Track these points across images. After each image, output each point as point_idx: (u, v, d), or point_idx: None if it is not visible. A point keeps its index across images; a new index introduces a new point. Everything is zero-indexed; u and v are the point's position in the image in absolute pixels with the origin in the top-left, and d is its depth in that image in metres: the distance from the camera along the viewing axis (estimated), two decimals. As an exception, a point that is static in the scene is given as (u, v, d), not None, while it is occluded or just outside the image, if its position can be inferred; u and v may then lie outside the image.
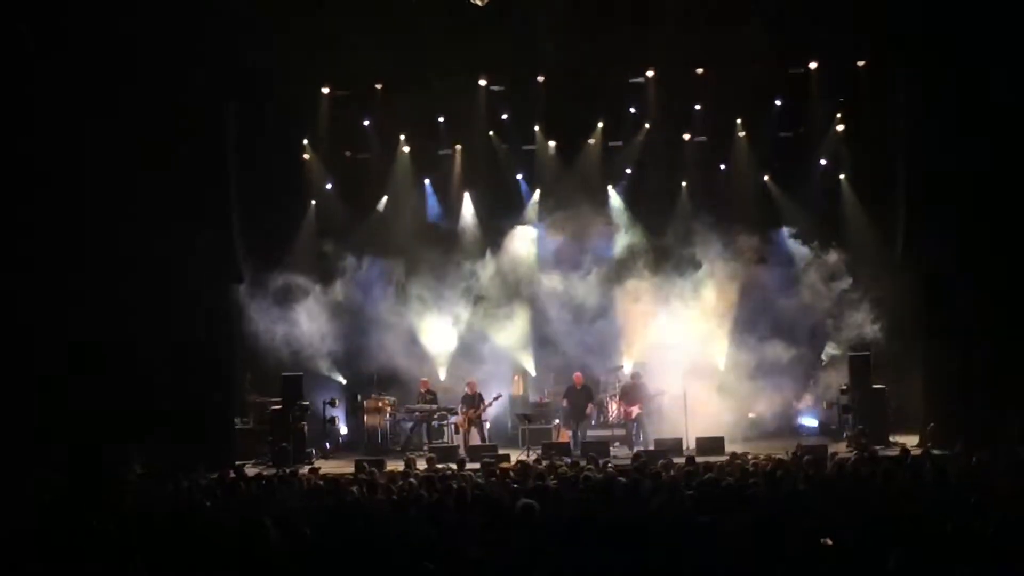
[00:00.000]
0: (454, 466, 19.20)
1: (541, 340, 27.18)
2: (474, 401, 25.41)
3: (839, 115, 26.74)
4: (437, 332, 27.20)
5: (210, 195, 23.72)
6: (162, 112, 22.59)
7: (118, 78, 22.18)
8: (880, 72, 24.79)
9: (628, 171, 28.03)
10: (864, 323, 25.26)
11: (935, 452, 19.17)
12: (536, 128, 27.63)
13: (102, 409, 21.61)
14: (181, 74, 22.59)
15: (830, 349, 26.01)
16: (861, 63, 25.01)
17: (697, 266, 26.38)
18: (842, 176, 27.15)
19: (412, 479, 16.20)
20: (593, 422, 26.18)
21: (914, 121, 23.80)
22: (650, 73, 25.86)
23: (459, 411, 25.46)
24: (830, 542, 9.98)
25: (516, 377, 27.62)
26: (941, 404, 23.27)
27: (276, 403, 24.80)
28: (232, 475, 18.63)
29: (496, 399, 25.82)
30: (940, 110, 22.87)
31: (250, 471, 20.02)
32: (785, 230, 27.03)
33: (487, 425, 25.80)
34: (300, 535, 10.89)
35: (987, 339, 22.33)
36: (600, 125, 27.51)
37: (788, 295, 26.21)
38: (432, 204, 28.60)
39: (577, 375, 25.55)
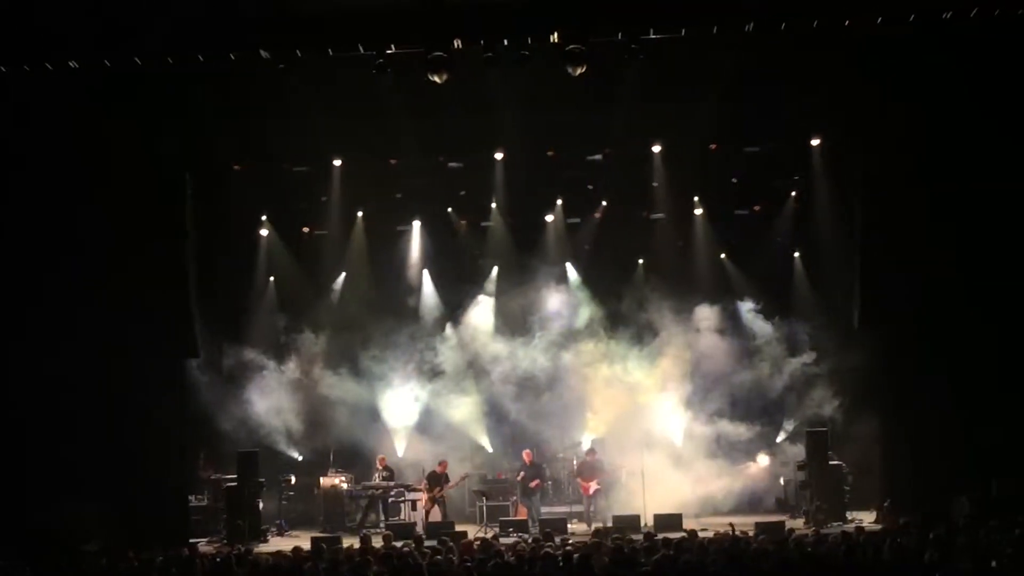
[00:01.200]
0: (412, 543, 19.02)
1: (499, 415, 27.10)
2: (439, 480, 25.24)
3: (794, 193, 27.03)
4: (395, 408, 27.12)
5: (167, 269, 23.62)
6: (121, 184, 22.62)
7: (77, 145, 22.23)
8: (834, 149, 25.04)
9: (586, 247, 28.14)
10: (823, 399, 25.39)
11: (893, 529, 19.15)
12: (493, 204, 27.75)
13: (54, 487, 21.46)
14: (142, 145, 22.62)
15: (788, 425, 26.10)
16: (815, 142, 25.29)
17: (654, 337, 26.43)
18: (796, 254, 27.40)
19: (369, 556, 16.06)
20: (552, 496, 26.05)
21: (867, 197, 24.04)
22: (607, 151, 26.04)
23: (423, 488, 25.27)
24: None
25: (474, 455, 27.48)
26: (898, 480, 23.32)
27: (231, 480, 24.54)
28: (186, 552, 18.36)
29: (464, 479, 25.71)
30: (892, 185, 23.14)
31: (204, 548, 19.78)
32: (743, 304, 27.08)
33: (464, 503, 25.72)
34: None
35: (944, 414, 22.46)
36: (559, 202, 27.67)
37: (747, 368, 26.32)
38: (385, 282, 28.49)
39: (526, 452, 25.47)
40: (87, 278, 22.61)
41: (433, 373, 27.22)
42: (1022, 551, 13.89)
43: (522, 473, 25.20)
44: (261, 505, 24.48)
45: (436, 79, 20.78)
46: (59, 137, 22.25)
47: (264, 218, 27.31)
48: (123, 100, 21.95)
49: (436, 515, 24.92)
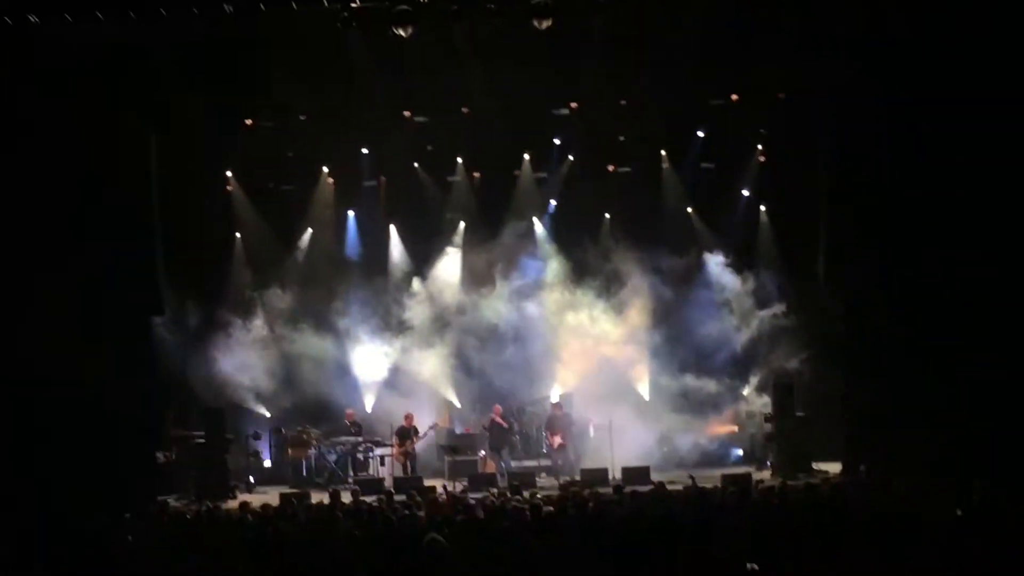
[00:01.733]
0: (382, 498, 19.08)
1: (466, 369, 27.13)
2: (409, 434, 25.29)
3: (760, 147, 27.08)
4: (363, 363, 27.10)
5: (133, 227, 23.51)
6: (85, 141, 22.46)
7: (41, 109, 22.05)
8: (800, 103, 25.06)
9: (553, 202, 28.15)
10: (789, 351, 25.55)
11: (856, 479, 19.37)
12: (459, 160, 27.67)
13: (19, 447, 21.47)
14: (105, 104, 22.44)
15: (754, 377, 26.23)
16: (781, 95, 25.30)
17: (621, 289, 26.54)
18: (762, 207, 27.48)
19: (338, 512, 16.13)
20: (517, 453, 26.15)
21: (833, 151, 24.11)
22: (574, 105, 25.95)
23: (393, 443, 25.32)
24: (756, 567, 10.06)
25: (442, 409, 27.52)
26: (861, 432, 23.52)
27: (199, 437, 24.51)
28: (155, 508, 18.37)
29: (432, 428, 25.79)
30: (860, 139, 23.19)
31: (173, 505, 19.78)
32: (711, 256, 27.13)
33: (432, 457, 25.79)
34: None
35: (906, 367, 22.64)
36: (527, 157, 27.62)
37: (714, 320, 26.46)
38: (352, 237, 28.41)
39: (496, 407, 25.56)
40: (51, 237, 22.47)
41: (401, 328, 27.15)
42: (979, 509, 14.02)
43: (488, 422, 25.31)
44: (229, 462, 24.47)
45: (402, 33, 20.68)
46: (23, 93, 22.04)
47: (229, 174, 27.13)
48: (87, 56, 21.72)
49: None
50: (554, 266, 27.56)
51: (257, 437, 26.02)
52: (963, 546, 11.33)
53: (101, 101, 22.43)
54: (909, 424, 22.15)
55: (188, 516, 16.92)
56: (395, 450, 25.24)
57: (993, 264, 22.11)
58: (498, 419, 25.33)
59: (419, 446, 25.50)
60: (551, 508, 15.27)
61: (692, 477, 18.92)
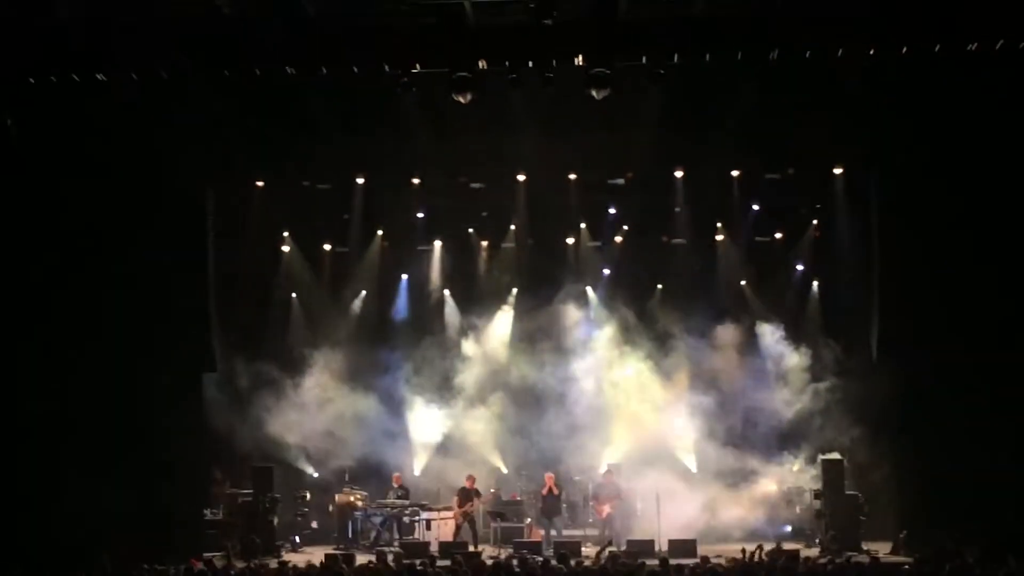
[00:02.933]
0: (426, 562, 19.02)
1: (513, 434, 27.09)
2: (470, 495, 25.29)
3: (815, 221, 27.04)
4: (411, 426, 27.14)
5: (188, 281, 23.76)
6: (144, 194, 22.81)
7: (99, 158, 22.45)
8: (855, 177, 25.02)
9: (606, 271, 28.14)
10: (841, 426, 25.33)
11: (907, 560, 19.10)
12: (512, 227, 27.80)
13: (69, 500, 21.65)
14: (166, 157, 22.78)
15: (805, 452, 25.97)
16: (837, 171, 25.27)
17: (672, 358, 26.47)
18: (815, 283, 27.40)
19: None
20: (568, 522, 26.01)
21: (887, 227, 24.04)
22: (629, 175, 26.02)
23: (455, 504, 25.30)
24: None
25: (489, 475, 27.46)
26: (914, 512, 23.22)
27: (246, 494, 24.57)
28: (199, 566, 18.40)
29: (494, 494, 25.96)
30: (913, 216, 23.14)
31: (219, 563, 19.79)
32: (763, 326, 27.03)
33: (478, 522, 25.72)
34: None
35: (960, 447, 22.38)
36: (583, 226, 27.68)
37: (766, 392, 26.30)
38: (404, 300, 28.52)
39: (549, 475, 25.45)
40: (108, 289, 22.78)
41: (451, 392, 27.22)
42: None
43: (546, 490, 25.21)
44: (276, 521, 24.49)
45: (460, 99, 20.88)
46: (85, 146, 22.43)
47: (286, 234, 27.40)
48: (149, 111, 22.08)
49: (465, 534, 24.99)
50: (606, 333, 27.53)
51: (304, 497, 26.10)
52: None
53: (161, 152, 22.70)
54: (965, 506, 21.86)
55: (232, 573, 16.91)
56: (455, 511, 25.17)
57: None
58: (552, 487, 25.22)
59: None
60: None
61: (744, 551, 18.73)
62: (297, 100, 22.30)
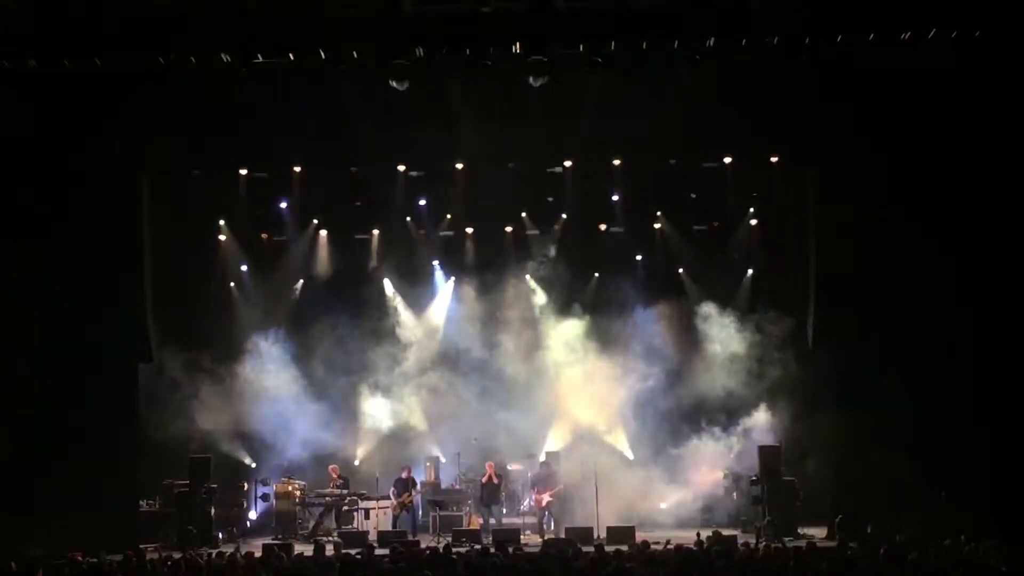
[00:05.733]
0: (363, 550, 18.99)
1: (454, 425, 27.09)
2: (407, 486, 25.26)
3: (752, 209, 27.21)
4: (349, 415, 27.05)
5: (122, 271, 23.54)
6: (77, 181, 22.56)
7: (33, 144, 22.23)
8: (793, 166, 25.19)
9: (544, 258, 28.13)
10: (776, 413, 25.52)
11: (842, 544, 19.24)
12: (448, 216, 27.78)
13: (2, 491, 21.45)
14: (99, 147, 22.54)
15: (741, 438, 26.10)
16: (774, 159, 25.42)
17: (610, 345, 26.55)
18: (751, 271, 27.62)
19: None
20: (504, 510, 26.05)
21: (824, 215, 24.25)
22: (568, 163, 26.04)
23: (392, 495, 25.25)
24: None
25: (427, 463, 27.48)
26: (849, 497, 23.47)
27: (183, 485, 24.38)
28: (134, 556, 18.21)
29: (430, 485, 26.19)
30: (851, 205, 23.38)
31: (151, 554, 19.63)
32: (702, 311, 27.13)
33: (419, 511, 25.76)
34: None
35: (895, 432, 22.67)
36: (523, 215, 27.71)
37: (705, 377, 26.44)
38: (343, 288, 28.43)
39: (489, 464, 25.49)
40: (40, 280, 22.54)
41: (390, 381, 27.17)
42: (967, 571, 13.98)
43: (485, 478, 25.25)
44: (213, 511, 24.34)
45: (397, 87, 20.80)
46: (15, 136, 22.14)
47: (222, 223, 27.19)
48: (82, 100, 21.86)
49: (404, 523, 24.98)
50: (545, 322, 27.60)
51: (266, 483, 26.10)
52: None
53: (94, 141, 22.46)
54: (898, 489, 22.13)
55: (168, 564, 16.76)
56: (393, 501, 25.15)
57: (989, 326, 22.51)
58: (492, 475, 25.25)
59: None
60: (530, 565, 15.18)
61: (668, 541, 18.88)
62: (234, 88, 22.11)
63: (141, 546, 21.07)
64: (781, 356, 25.77)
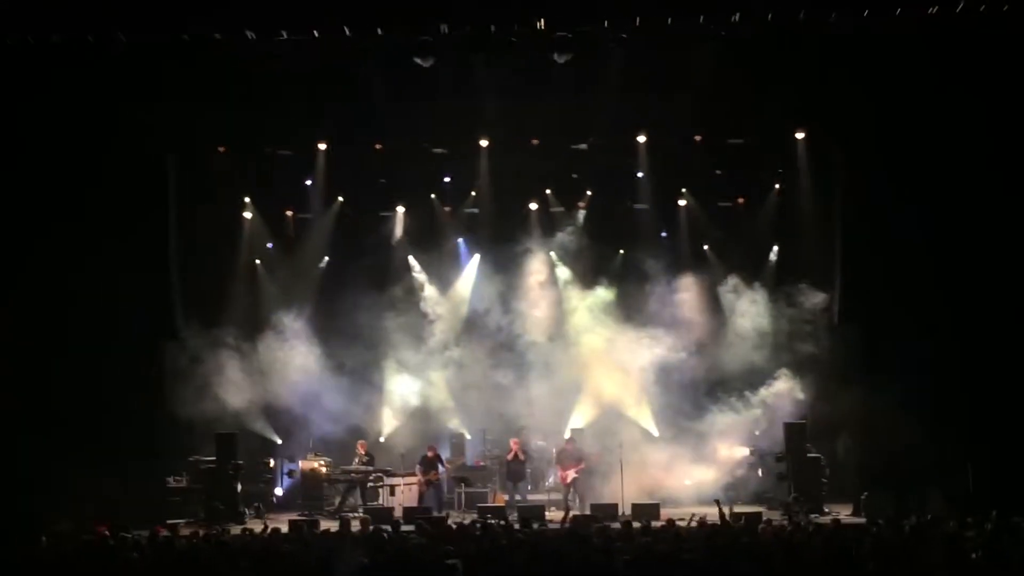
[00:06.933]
0: (389, 528, 19.05)
1: (479, 401, 27.14)
2: (433, 464, 25.32)
3: (777, 186, 27.12)
4: (376, 392, 27.13)
5: (149, 249, 23.63)
6: (104, 160, 22.61)
7: (60, 124, 22.25)
8: (817, 141, 25.07)
9: (570, 235, 28.11)
10: (803, 391, 25.40)
11: (869, 522, 19.22)
12: (473, 193, 27.77)
13: (28, 465, 21.53)
14: (125, 125, 22.59)
15: (767, 415, 26.00)
16: (800, 135, 25.31)
17: (636, 322, 26.52)
18: (776, 247, 27.54)
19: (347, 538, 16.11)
20: (529, 486, 26.11)
21: (850, 191, 24.15)
22: (592, 140, 25.96)
23: (417, 472, 25.34)
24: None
25: (452, 440, 27.57)
26: (875, 474, 23.42)
27: (210, 461, 24.50)
28: (163, 532, 18.32)
29: (458, 464, 26.28)
30: (876, 182, 23.25)
31: (182, 530, 19.76)
32: (727, 288, 27.11)
33: (445, 488, 25.82)
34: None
35: (921, 410, 22.59)
36: (548, 192, 27.66)
37: (731, 352, 26.41)
38: (366, 267, 28.49)
39: (514, 441, 25.52)
40: (70, 257, 22.62)
41: (416, 358, 27.24)
42: (994, 547, 13.93)
43: (511, 455, 25.30)
44: (239, 487, 24.46)
45: (422, 63, 20.76)
46: (46, 112, 22.20)
47: (248, 200, 27.25)
48: (108, 78, 21.89)
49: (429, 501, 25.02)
50: (569, 298, 27.60)
51: (292, 460, 26.27)
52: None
53: (122, 115, 22.52)
54: (925, 466, 22.08)
55: (195, 540, 16.85)
56: (419, 479, 25.24)
57: (1015, 304, 22.34)
58: (517, 452, 25.29)
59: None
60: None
61: (694, 515, 18.83)
62: (258, 66, 22.12)
63: (169, 522, 21.20)
64: (807, 331, 25.64)
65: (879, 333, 23.72)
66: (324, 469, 25.75)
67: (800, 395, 25.27)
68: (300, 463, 26.09)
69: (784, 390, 25.42)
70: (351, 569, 12.80)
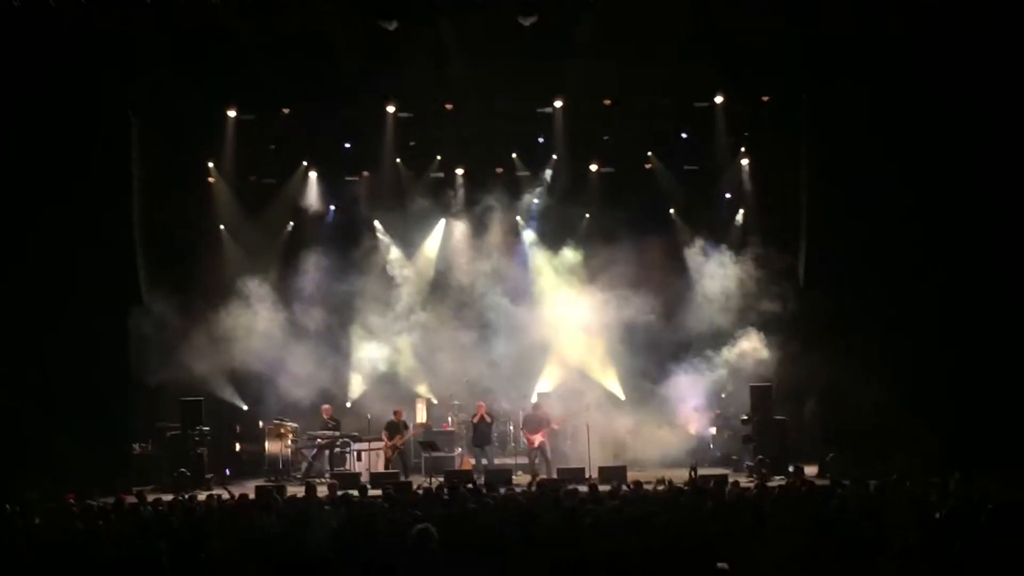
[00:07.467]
0: (356, 492, 19.03)
1: (445, 365, 27.12)
2: (398, 428, 25.28)
3: (743, 149, 27.14)
4: (341, 357, 27.06)
5: (112, 214, 23.42)
6: (66, 122, 22.36)
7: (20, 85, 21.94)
8: (784, 105, 25.08)
9: (536, 200, 28.10)
10: (769, 353, 25.48)
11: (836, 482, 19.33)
12: (438, 157, 27.65)
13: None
14: (86, 88, 22.33)
15: (731, 377, 26.09)
16: (765, 98, 25.32)
17: (601, 285, 26.51)
18: (741, 211, 27.59)
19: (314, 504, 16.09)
20: (497, 450, 26.15)
21: (815, 153, 24.20)
22: (559, 103, 25.88)
23: (384, 437, 25.28)
24: (727, 567, 10.03)
25: (419, 404, 27.56)
26: (840, 436, 23.55)
27: (175, 428, 24.39)
28: (129, 499, 18.26)
29: (423, 427, 26.27)
30: (841, 146, 23.29)
31: (149, 496, 19.66)
32: (693, 251, 27.19)
33: (411, 453, 25.83)
34: (195, 559, 10.72)
35: (886, 371, 22.73)
36: (514, 155, 27.56)
37: (695, 314, 26.47)
38: (333, 230, 28.38)
39: (480, 404, 25.53)
40: (28, 222, 22.39)
41: (380, 321, 27.22)
42: (957, 506, 14.04)
43: (476, 419, 25.29)
44: (205, 454, 24.37)
45: (387, 26, 20.60)
46: (5, 74, 21.95)
47: (211, 165, 27.04)
48: (67, 38, 21.61)
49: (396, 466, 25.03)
50: (536, 263, 27.60)
51: (258, 425, 26.37)
52: (938, 548, 11.30)
53: (82, 77, 22.26)
54: (891, 426, 22.23)
55: (160, 507, 16.78)
56: (385, 444, 25.19)
57: (976, 265, 22.49)
58: (483, 415, 25.30)
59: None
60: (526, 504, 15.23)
61: (663, 478, 18.91)
62: (221, 28, 21.89)
63: (135, 489, 21.09)
64: (772, 294, 25.67)
65: (844, 296, 23.78)
66: (290, 435, 25.55)
67: (764, 354, 25.37)
68: (266, 429, 25.97)
69: (748, 349, 25.52)
70: (323, 534, 12.75)
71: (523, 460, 25.69)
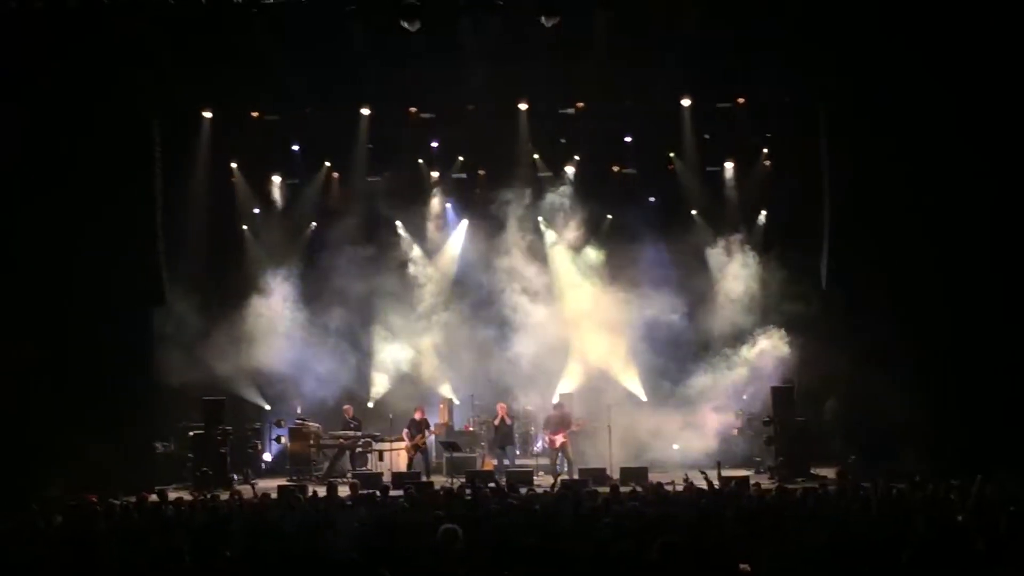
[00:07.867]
0: (378, 492, 19.09)
1: (467, 366, 27.15)
2: (420, 427, 25.32)
3: (765, 150, 27.08)
4: (363, 357, 27.12)
5: (136, 215, 23.51)
6: (89, 125, 22.45)
7: (44, 88, 22.10)
8: (806, 108, 25.02)
9: (562, 200, 28.04)
10: (791, 355, 25.43)
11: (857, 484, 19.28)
12: (460, 158, 27.69)
13: (17, 433, 21.49)
14: (109, 89, 22.42)
15: (753, 381, 26.03)
16: (787, 99, 25.26)
17: (624, 286, 26.50)
18: (764, 212, 27.53)
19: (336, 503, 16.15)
20: (518, 451, 26.17)
21: (836, 154, 24.11)
22: (580, 104, 25.85)
23: (406, 436, 25.33)
24: (749, 569, 10.03)
25: (441, 404, 27.59)
26: (863, 437, 23.49)
27: (198, 427, 24.48)
28: (152, 498, 18.36)
29: (444, 426, 26.37)
30: (863, 147, 23.21)
31: (171, 495, 19.76)
32: (715, 252, 27.21)
33: (432, 453, 25.86)
34: (219, 556, 10.77)
35: (907, 372, 22.66)
36: (536, 156, 27.56)
37: (717, 317, 26.44)
38: (358, 231, 28.42)
39: (501, 405, 25.54)
40: (55, 225, 22.48)
41: (402, 321, 27.30)
42: (979, 509, 14.00)
43: (497, 420, 25.31)
44: (228, 453, 24.45)
45: (408, 27, 20.63)
46: (31, 76, 22.02)
47: (234, 166, 27.12)
48: (90, 44, 21.71)
49: (418, 465, 25.08)
50: (557, 262, 27.58)
51: (280, 424, 26.29)
52: (960, 551, 11.27)
53: (107, 80, 22.34)
54: (913, 429, 22.16)
55: (183, 507, 16.87)
56: (407, 444, 25.24)
57: (999, 266, 22.44)
58: (504, 416, 25.31)
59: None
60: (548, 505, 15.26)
61: (686, 478, 18.85)
62: (243, 30, 21.96)
63: (158, 488, 21.19)
64: (795, 295, 25.64)
65: (866, 297, 23.70)
66: (312, 434, 25.67)
67: (784, 351, 25.32)
68: (288, 428, 26.04)
69: (768, 347, 25.48)
70: (346, 534, 12.80)
71: (544, 461, 25.69)
